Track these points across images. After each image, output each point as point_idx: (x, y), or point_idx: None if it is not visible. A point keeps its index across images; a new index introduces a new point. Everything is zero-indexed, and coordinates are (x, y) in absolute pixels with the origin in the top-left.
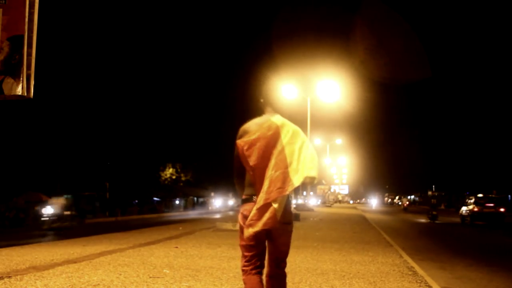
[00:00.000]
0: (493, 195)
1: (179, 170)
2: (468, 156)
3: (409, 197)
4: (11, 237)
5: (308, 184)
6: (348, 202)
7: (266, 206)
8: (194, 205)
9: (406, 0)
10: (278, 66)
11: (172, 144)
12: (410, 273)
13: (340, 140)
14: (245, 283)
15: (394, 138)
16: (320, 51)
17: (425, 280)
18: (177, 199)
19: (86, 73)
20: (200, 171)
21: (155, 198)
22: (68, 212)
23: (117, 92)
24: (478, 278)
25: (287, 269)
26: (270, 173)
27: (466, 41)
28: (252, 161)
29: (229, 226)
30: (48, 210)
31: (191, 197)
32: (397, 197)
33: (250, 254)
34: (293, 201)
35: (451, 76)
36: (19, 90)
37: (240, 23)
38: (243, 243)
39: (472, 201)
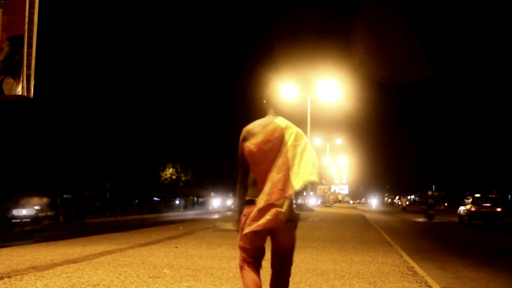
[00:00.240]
0: (493, 195)
1: (179, 170)
2: (468, 156)
3: (409, 197)
4: None
5: (308, 186)
6: (348, 202)
7: (267, 207)
8: (194, 205)
9: (406, 0)
10: (278, 66)
11: (172, 144)
12: (410, 273)
13: (340, 140)
14: (242, 278)
15: (394, 138)
16: (320, 51)
17: (425, 280)
18: (177, 199)
19: (86, 73)
20: (200, 171)
21: (155, 198)
22: (43, 214)
23: (117, 92)
24: (478, 278)
25: None
26: (272, 175)
27: (466, 41)
28: (260, 164)
29: (229, 226)
30: (19, 212)
31: (191, 197)
32: (397, 197)
33: (247, 254)
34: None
35: (451, 76)
36: (19, 90)
37: (241, 23)
38: (241, 243)
39: (470, 201)
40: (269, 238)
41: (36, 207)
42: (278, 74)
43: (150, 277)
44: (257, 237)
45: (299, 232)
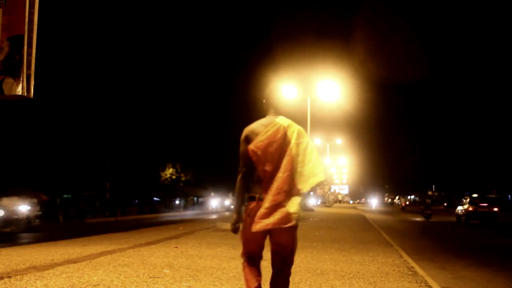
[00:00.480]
0: (492, 195)
1: (179, 170)
2: (468, 156)
3: (409, 197)
4: None
5: (318, 185)
6: (348, 202)
7: (275, 207)
8: (194, 205)
9: (406, 0)
10: (278, 67)
11: (172, 144)
12: (410, 273)
13: (340, 140)
14: (243, 272)
15: (394, 138)
16: (320, 51)
17: (425, 280)
18: (177, 199)
19: (86, 73)
20: (200, 171)
21: (155, 198)
22: (16, 216)
23: (117, 92)
24: (478, 278)
25: None
26: (278, 175)
27: (466, 41)
28: (265, 164)
29: (229, 226)
30: None
31: (191, 197)
32: (397, 197)
33: (248, 251)
34: None
35: (450, 76)
36: (19, 90)
37: (242, 23)
38: (243, 240)
39: (467, 201)
40: (269, 237)
41: (21, 207)
42: (278, 74)
43: (150, 277)
44: (258, 234)
45: (299, 232)
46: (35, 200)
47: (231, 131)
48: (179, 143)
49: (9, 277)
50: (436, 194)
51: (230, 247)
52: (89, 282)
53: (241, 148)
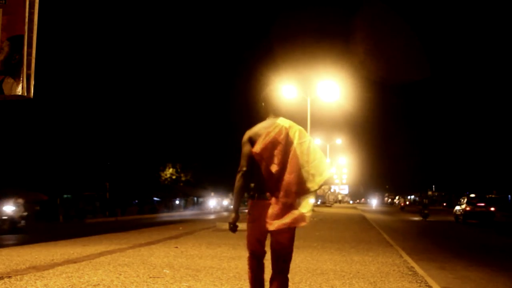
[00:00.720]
0: (493, 195)
1: (179, 170)
2: (468, 156)
3: (409, 197)
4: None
5: (326, 183)
6: (348, 202)
7: (287, 208)
8: (194, 205)
9: (406, 0)
10: (278, 67)
11: (172, 145)
12: (410, 273)
13: (340, 140)
14: (248, 271)
15: (394, 138)
16: (320, 51)
17: (425, 280)
18: (177, 199)
19: (86, 73)
20: (200, 171)
21: (155, 198)
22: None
23: (117, 92)
24: (478, 278)
25: None
26: (285, 176)
27: (465, 41)
28: (273, 166)
29: (227, 225)
30: None
31: (191, 197)
32: (397, 197)
33: (253, 248)
34: None
35: (451, 76)
36: (19, 90)
37: (242, 24)
38: (248, 237)
39: (465, 200)
40: (270, 236)
41: (5, 208)
42: (279, 74)
43: (150, 277)
44: (261, 233)
45: (299, 232)
46: (21, 200)
47: (231, 131)
48: (179, 143)
49: (9, 277)
50: (436, 194)
51: (230, 247)
52: (89, 282)
53: (244, 148)
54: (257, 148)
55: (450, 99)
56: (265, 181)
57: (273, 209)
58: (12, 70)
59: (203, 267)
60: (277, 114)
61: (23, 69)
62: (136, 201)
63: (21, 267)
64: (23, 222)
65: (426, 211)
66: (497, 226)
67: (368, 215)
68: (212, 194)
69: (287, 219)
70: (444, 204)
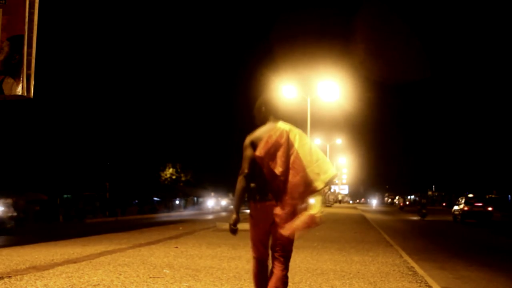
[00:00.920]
0: (493, 195)
1: (179, 170)
2: (468, 156)
3: (409, 197)
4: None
5: (331, 182)
6: (348, 202)
7: (297, 211)
8: (194, 205)
9: (406, 0)
10: (279, 67)
11: (172, 145)
12: (410, 273)
13: (340, 140)
14: (252, 276)
15: (394, 138)
16: (320, 51)
17: (425, 280)
18: (177, 199)
19: (86, 73)
20: (200, 171)
21: (155, 198)
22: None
23: (117, 92)
24: (478, 278)
25: None
26: (291, 178)
27: (465, 41)
28: (277, 168)
29: (227, 226)
30: None
31: (191, 197)
32: (397, 197)
33: (256, 255)
34: None
35: (450, 76)
36: (19, 90)
37: (243, 25)
38: (251, 238)
39: (463, 200)
40: (271, 230)
41: None
42: (279, 74)
43: (150, 277)
44: (263, 234)
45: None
46: (9, 201)
47: (231, 131)
48: (179, 144)
49: (9, 277)
50: (436, 194)
51: (230, 247)
52: (89, 282)
53: (246, 152)
54: (260, 151)
55: (450, 99)
56: (268, 184)
57: (282, 212)
58: (12, 70)
59: (203, 267)
60: (277, 119)
61: (23, 69)
62: (136, 201)
63: (21, 267)
64: (12, 223)
65: (424, 211)
66: (494, 225)
67: (368, 215)
68: (212, 194)
69: (299, 222)
70: (444, 204)
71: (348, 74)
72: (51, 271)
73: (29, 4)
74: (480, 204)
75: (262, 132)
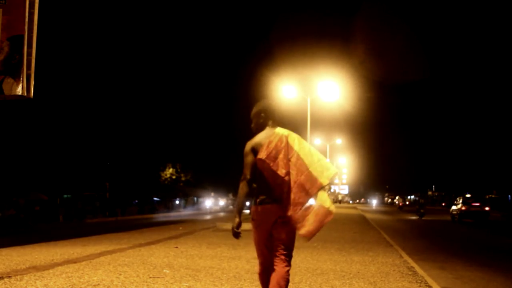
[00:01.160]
0: (493, 195)
1: (179, 170)
2: (468, 156)
3: (409, 197)
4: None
5: (333, 179)
6: (348, 202)
7: (307, 208)
8: (194, 205)
9: (406, 0)
10: (278, 67)
11: (172, 145)
12: (410, 273)
13: (340, 140)
14: (259, 280)
15: (394, 138)
16: (320, 51)
17: (425, 280)
18: (177, 199)
19: (86, 73)
20: (200, 171)
21: (155, 198)
22: None
23: (117, 93)
24: (478, 278)
25: None
26: (294, 178)
27: (465, 41)
28: (280, 170)
29: (229, 226)
30: None
31: (191, 197)
32: (397, 197)
33: (261, 259)
34: None
35: (450, 76)
36: (19, 90)
37: (243, 25)
38: (254, 241)
39: (461, 200)
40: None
41: None
42: (279, 74)
43: (150, 277)
44: (265, 236)
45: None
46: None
47: (231, 131)
48: (179, 144)
49: (9, 277)
50: (436, 194)
51: (230, 247)
52: (89, 282)
53: (247, 158)
54: (262, 155)
55: (450, 99)
56: (271, 186)
57: (293, 212)
58: (12, 70)
59: (203, 267)
60: (275, 124)
61: (23, 69)
62: (136, 201)
63: (21, 267)
64: None
65: (422, 211)
66: (491, 225)
67: (368, 215)
68: (212, 194)
69: (312, 219)
70: (443, 204)
71: (348, 74)
72: (51, 271)
73: (29, 4)
74: (478, 204)
75: (262, 138)
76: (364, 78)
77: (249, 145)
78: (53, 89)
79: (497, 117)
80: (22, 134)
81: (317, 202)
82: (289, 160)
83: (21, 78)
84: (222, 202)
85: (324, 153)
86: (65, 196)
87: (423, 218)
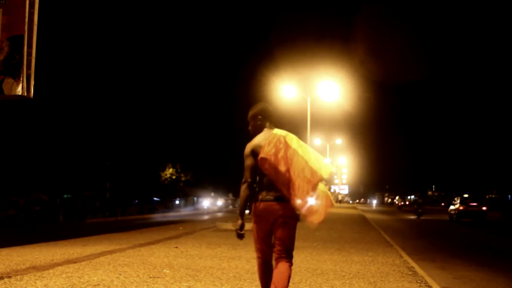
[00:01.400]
0: (493, 195)
1: (179, 170)
2: (468, 156)
3: (409, 197)
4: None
5: (329, 179)
6: (348, 202)
7: (310, 198)
8: (194, 205)
9: (406, 0)
10: (278, 67)
11: (172, 145)
12: (410, 273)
13: (340, 140)
14: (258, 274)
15: (394, 138)
16: (320, 51)
17: (425, 280)
18: (177, 199)
19: (86, 73)
20: (200, 171)
21: (155, 198)
22: None
23: (117, 92)
24: (478, 278)
25: None
26: (297, 173)
27: (465, 41)
28: (283, 167)
29: (229, 226)
30: None
31: (191, 197)
32: (397, 197)
33: (260, 253)
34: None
35: (450, 76)
36: (19, 90)
37: (243, 25)
38: (254, 239)
39: (459, 200)
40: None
41: None
42: (279, 74)
43: (150, 277)
44: (265, 233)
45: (299, 232)
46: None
47: (231, 131)
48: (179, 144)
49: (9, 277)
50: (436, 194)
51: (230, 247)
52: (89, 282)
53: (247, 160)
54: (263, 155)
55: (450, 99)
56: (273, 183)
57: (301, 202)
58: (12, 70)
59: (203, 267)
60: (273, 126)
61: (23, 69)
62: (136, 201)
63: (21, 267)
64: None
65: (420, 210)
66: (489, 225)
67: (367, 215)
68: (212, 194)
69: (320, 206)
70: (442, 204)
71: (348, 74)
72: (51, 271)
73: (29, 4)
74: (475, 204)
75: (261, 140)
76: (364, 78)
77: (248, 147)
78: (53, 89)
79: (497, 117)
80: (22, 134)
81: (321, 192)
82: (288, 157)
83: (21, 78)
84: (220, 202)
85: (324, 153)
86: (65, 196)
87: (421, 218)
